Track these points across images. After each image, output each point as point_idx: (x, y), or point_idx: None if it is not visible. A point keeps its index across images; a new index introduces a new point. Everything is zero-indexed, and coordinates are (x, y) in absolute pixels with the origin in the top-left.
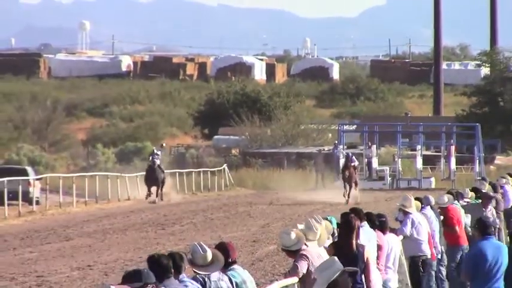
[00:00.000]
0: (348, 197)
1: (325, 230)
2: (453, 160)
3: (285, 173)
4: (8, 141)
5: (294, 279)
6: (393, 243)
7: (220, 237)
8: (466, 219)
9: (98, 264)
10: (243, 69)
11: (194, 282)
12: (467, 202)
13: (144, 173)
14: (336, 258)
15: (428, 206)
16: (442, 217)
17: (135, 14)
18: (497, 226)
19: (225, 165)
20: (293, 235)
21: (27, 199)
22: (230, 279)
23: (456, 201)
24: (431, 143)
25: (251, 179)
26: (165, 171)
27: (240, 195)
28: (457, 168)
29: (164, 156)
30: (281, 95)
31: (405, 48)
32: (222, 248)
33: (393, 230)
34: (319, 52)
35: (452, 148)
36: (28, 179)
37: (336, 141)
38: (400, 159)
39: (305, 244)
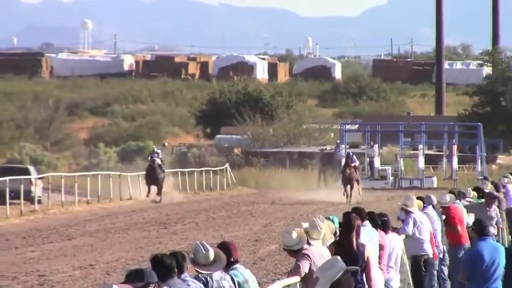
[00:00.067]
0: (350, 196)
1: (329, 229)
2: (455, 159)
3: (287, 172)
4: (10, 140)
5: (296, 279)
6: (395, 242)
7: (222, 237)
8: (468, 219)
9: (99, 263)
10: (245, 68)
11: (196, 282)
12: (469, 201)
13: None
14: (338, 257)
15: (430, 206)
16: (444, 216)
17: (136, 13)
18: (501, 226)
19: (227, 165)
20: (294, 235)
21: (29, 198)
22: (232, 279)
23: (458, 200)
24: (433, 142)
25: (253, 179)
26: (167, 170)
27: (242, 195)
28: (459, 167)
29: (166, 155)
30: (283, 94)
31: (407, 48)
32: (224, 247)
33: (395, 230)
34: (321, 51)
35: (454, 147)
36: (30, 178)
37: (338, 141)
38: (402, 159)
39: (309, 243)
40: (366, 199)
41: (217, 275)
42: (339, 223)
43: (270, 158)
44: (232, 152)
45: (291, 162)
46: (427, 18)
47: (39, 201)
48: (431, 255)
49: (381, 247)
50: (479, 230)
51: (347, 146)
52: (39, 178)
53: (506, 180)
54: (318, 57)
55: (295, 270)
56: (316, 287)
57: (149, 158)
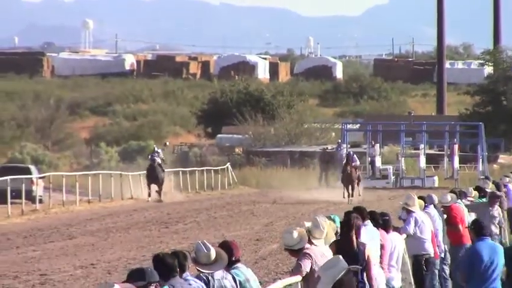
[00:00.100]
0: (352, 196)
1: (331, 229)
2: (456, 159)
3: (288, 171)
4: (11, 139)
5: (298, 278)
6: (396, 242)
7: (224, 236)
8: (469, 218)
9: (101, 262)
10: (246, 68)
11: (198, 281)
12: (471, 201)
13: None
14: (340, 257)
15: (432, 205)
16: (445, 216)
17: (138, 12)
18: (503, 225)
19: (228, 164)
20: (295, 234)
21: (31, 198)
22: (234, 278)
23: (459, 200)
24: (434, 142)
25: (254, 178)
26: (169, 169)
27: (243, 194)
28: (460, 167)
29: (167, 154)
30: (284, 93)
31: (408, 47)
32: (226, 246)
33: (396, 229)
34: (322, 51)
35: (456, 147)
36: (31, 178)
37: (340, 140)
38: (403, 158)
39: (311, 243)
40: (367, 198)
41: (219, 274)
42: (340, 222)
43: (271, 157)
44: (233, 152)
45: (292, 162)
46: (428, 17)
47: (41, 201)
48: (432, 255)
49: (382, 246)
50: (477, 230)
51: (348, 146)
52: (40, 177)
53: (507, 179)
54: (319, 56)
55: (296, 270)
56: (318, 287)
57: (149, 158)
